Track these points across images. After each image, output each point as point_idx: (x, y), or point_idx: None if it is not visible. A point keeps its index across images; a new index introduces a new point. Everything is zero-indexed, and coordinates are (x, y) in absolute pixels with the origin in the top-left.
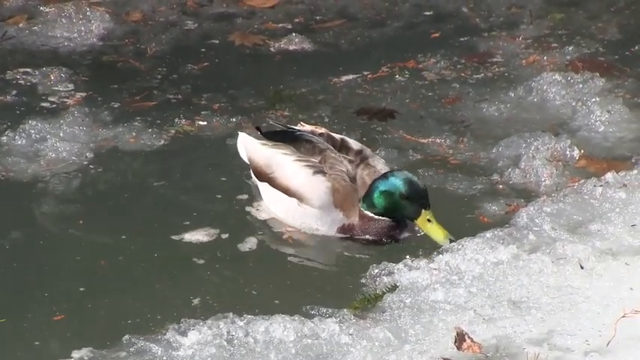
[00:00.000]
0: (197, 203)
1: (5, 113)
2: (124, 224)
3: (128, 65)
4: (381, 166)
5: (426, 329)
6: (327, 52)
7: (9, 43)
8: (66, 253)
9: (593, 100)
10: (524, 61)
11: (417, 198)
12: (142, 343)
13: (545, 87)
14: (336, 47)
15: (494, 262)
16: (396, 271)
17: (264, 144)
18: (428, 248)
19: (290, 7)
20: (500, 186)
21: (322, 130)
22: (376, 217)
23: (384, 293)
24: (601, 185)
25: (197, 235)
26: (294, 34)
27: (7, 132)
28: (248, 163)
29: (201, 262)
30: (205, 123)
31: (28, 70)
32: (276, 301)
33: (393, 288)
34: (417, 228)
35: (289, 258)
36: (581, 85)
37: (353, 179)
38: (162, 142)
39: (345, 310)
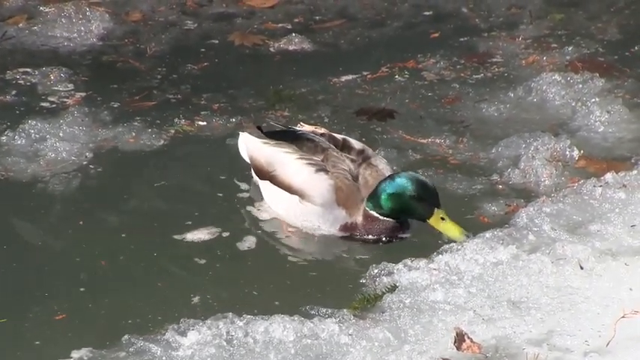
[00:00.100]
0: (197, 203)
1: (5, 113)
2: (124, 224)
3: (128, 65)
4: (383, 165)
5: (426, 329)
6: (327, 52)
7: (9, 43)
8: (66, 253)
9: (593, 100)
10: (523, 62)
11: (428, 197)
12: (141, 343)
13: (544, 87)
14: (335, 47)
15: (494, 262)
16: (395, 271)
17: (265, 142)
18: (427, 248)
19: (290, 7)
20: (500, 186)
21: (323, 130)
22: (381, 217)
23: (383, 293)
24: (600, 185)
25: (198, 235)
26: (293, 34)
27: (6, 132)
28: (249, 162)
29: (202, 261)
30: (205, 123)
31: (28, 70)
32: (276, 301)
33: (393, 288)
34: (423, 228)
35: (289, 258)
36: (580, 86)
37: (355, 178)
38: (162, 142)
39: (344, 310)
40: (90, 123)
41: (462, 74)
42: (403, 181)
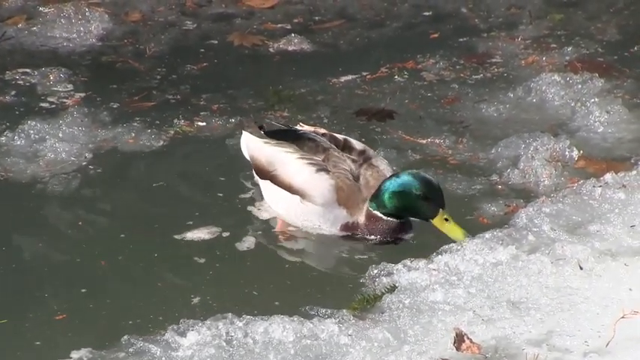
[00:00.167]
0: (197, 203)
1: (4, 114)
2: (124, 224)
3: (127, 66)
4: (384, 166)
5: (425, 330)
6: (326, 53)
7: (8, 44)
8: (65, 254)
9: (592, 100)
10: (523, 62)
11: (434, 197)
12: (140, 344)
13: (544, 87)
14: (335, 48)
15: (494, 262)
16: (395, 271)
17: (266, 142)
18: (427, 249)
19: (289, 8)
20: (500, 186)
21: (323, 131)
22: (384, 217)
23: (383, 294)
24: (600, 186)
25: (197, 235)
26: (293, 35)
27: (6, 132)
28: (250, 161)
29: (201, 261)
30: (204, 124)
31: (27, 70)
32: (276, 302)
33: (392, 288)
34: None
35: (289, 258)
36: (580, 86)
37: (356, 178)
38: (162, 142)
39: (344, 310)
40: (89, 123)
41: (462, 74)
42: (409, 180)
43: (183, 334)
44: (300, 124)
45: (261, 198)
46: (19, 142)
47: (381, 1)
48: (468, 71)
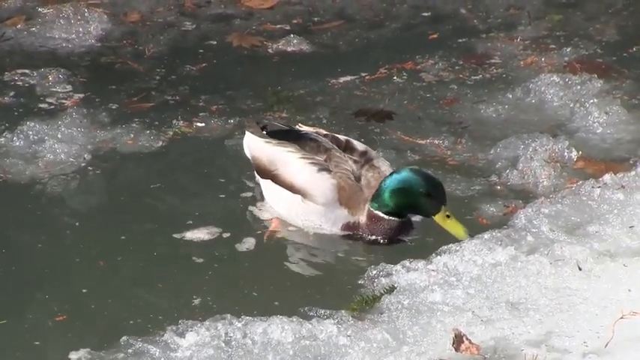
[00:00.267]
0: (196, 204)
1: (3, 114)
2: (123, 225)
3: (126, 66)
4: (385, 167)
5: (424, 331)
6: (325, 54)
7: (7, 44)
8: (65, 254)
9: (591, 101)
10: (522, 63)
11: (437, 194)
12: (140, 345)
13: (543, 88)
14: (334, 48)
15: (492, 263)
16: (394, 272)
17: (268, 142)
18: (426, 250)
19: (288, 9)
20: (498, 187)
21: (325, 132)
22: (386, 217)
23: (382, 294)
24: (599, 186)
25: (197, 235)
26: (292, 36)
27: (5, 133)
28: (252, 161)
29: (201, 262)
30: (203, 124)
31: (26, 71)
32: (275, 302)
33: (391, 289)
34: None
35: (288, 258)
36: (579, 87)
37: (358, 179)
38: (161, 143)
39: (343, 311)
40: (88, 124)
41: (461, 75)
42: (409, 176)
43: (182, 335)
44: (300, 124)
45: (262, 198)
46: (18, 143)
47: (380, 2)
48: (467, 72)
